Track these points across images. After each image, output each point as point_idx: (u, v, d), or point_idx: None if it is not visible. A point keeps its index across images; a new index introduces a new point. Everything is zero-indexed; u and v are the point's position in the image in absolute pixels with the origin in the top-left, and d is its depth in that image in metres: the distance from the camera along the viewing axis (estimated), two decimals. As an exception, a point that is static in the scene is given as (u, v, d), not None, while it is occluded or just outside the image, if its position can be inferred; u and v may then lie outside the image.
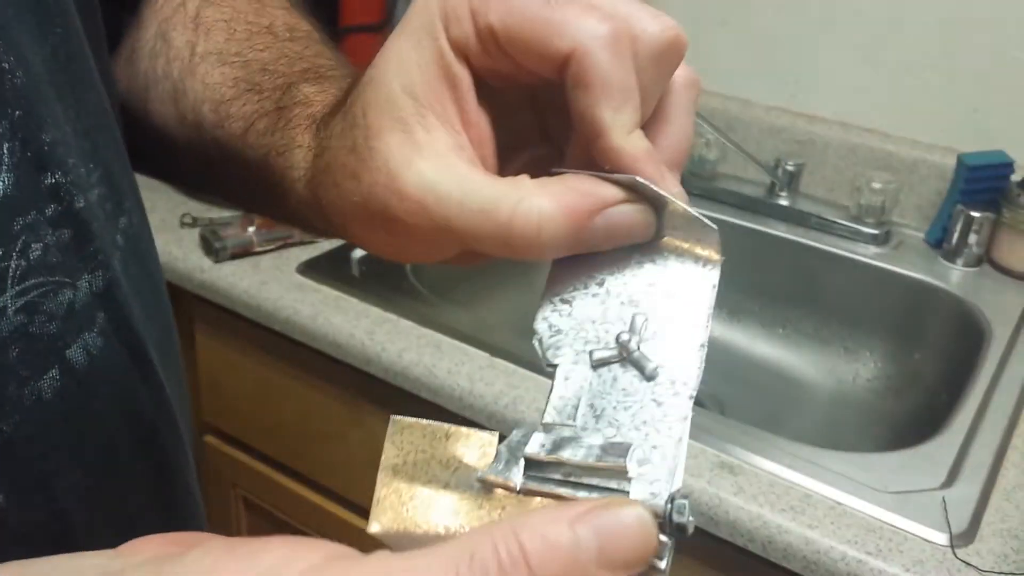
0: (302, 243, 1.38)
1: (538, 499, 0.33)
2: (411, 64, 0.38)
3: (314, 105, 0.49)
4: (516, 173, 0.38)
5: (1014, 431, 1.08)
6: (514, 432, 0.35)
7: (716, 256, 0.37)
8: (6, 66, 0.39)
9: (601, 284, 0.38)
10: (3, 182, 0.39)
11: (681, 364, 0.36)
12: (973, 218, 1.38)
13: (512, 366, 1.14)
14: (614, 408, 0.35)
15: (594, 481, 0.32)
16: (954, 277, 1.40)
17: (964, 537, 0.91)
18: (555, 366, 0.37)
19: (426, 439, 0.35)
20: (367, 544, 0.30)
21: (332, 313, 1.23)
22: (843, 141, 1.52)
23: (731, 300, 1.49)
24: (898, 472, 0.99)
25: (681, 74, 0.39)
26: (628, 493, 0.32)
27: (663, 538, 0.31)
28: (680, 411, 0.35)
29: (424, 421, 0.35)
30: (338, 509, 1.36)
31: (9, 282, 0.39)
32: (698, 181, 1.57)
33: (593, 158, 0.37)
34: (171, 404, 0.52)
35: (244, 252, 1.35)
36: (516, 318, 1.44)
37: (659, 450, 0.33)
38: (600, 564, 0.27)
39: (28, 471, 0.42)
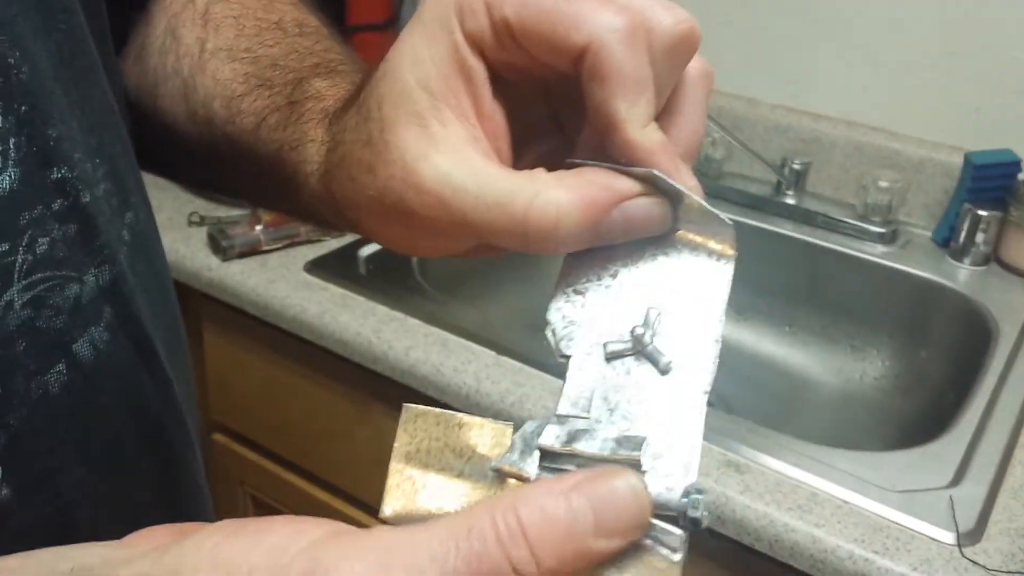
0: (309, 241, 1.38)
1: None
2: (426, 57, 0.38)
3: (326, 99, 0.49)
4: (529, 166, 0.38)
5: (1022, 430, 1.08)
6: (528, 423, 0.35)
7: (731, 251, 0.37)
8: (11, 61, 0.39)
9: (615, 276, 0.38)
10: (9, 177, 0.39)
11: (695, 359, 0.36)
12: (980, 217, 1.38)
13: (518, 364, 1.14)
14: (628, 401, 0.35)
15: None
16: (961, 276, 1.39)
17: (971, 536, 0.90)
18: (568, 357, 0.37)
19: (439, 427, 0.35)
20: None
21: (339, 311, 1.23)
22: (849, 139, 1.52)
23: (738, 299, 1.47)
24: (905, 471, 0.99)
25: (694, 66, 0.39)
26: None
27: (678, 531, 0.31)
28: (695, 406, 0.35)
29: (437, 409, 0.35)
30: (345, 506, 1.36)
31: (16, 276, 0.39)
32: (704, 180, 1.57)
33: (605, 149, 0.37)
34: (178, 400, 0.52)
35: (251, 250, 1.35)
36: (523, 316, 1.44)
37: (674, 444, 0.34)
38: (596, 533, 0.28)
39: (34, 465, 0.42)
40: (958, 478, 0.98)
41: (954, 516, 0.92)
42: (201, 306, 1.38)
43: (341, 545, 0.28)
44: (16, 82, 0.39)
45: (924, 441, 1.05)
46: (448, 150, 0.38)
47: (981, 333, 1.28)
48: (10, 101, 0.39)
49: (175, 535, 0.31)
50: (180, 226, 1.42)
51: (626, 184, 0.36)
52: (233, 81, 0.53)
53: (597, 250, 0.38)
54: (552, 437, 0.33)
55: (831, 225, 1.49)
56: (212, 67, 0.54)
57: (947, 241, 1.44)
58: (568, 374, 0.37)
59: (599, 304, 0.38)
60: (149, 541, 0.32)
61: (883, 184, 1.45)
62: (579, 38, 0.35)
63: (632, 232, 0.37)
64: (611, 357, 0.36)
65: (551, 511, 0.28)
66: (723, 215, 0.37)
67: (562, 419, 0.35)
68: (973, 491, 0.96)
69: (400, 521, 0.34)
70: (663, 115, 0.38)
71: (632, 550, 0.31)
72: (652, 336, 0.36)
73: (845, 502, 0.94)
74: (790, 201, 1.52)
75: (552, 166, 0.37)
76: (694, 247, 0.38)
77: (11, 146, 0.39)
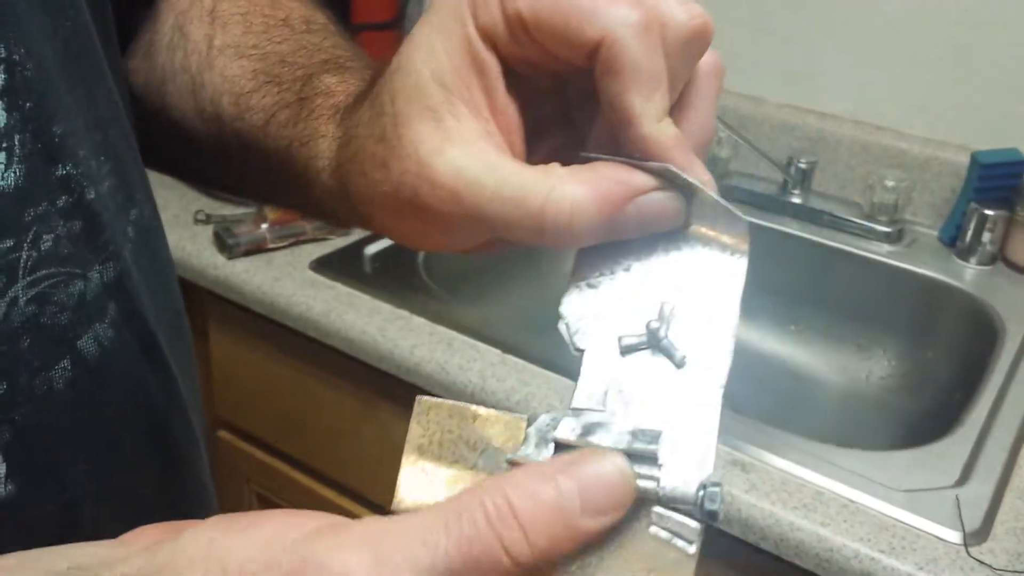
0: (315, 240, 1.38)
1: None
2: (439, 52, 0.38)
3: (337, 95, 0.49)
4: (540, 161, 0.38)
5: (1028, 429, 1.07)
6: (542, 416, 0.35)
7: (744, 245, 0.37)
8: (16, 58, 0.39)
9: (628, 270, 0.38)
10: (14, 173, 0.39)
11: (711, 353, 0.36)
12: (987, 216, 1.38)
13: (523, 363, 1.14)
14: (643, 395, 0.35)
15: None
16: (967, 275, 1.39)
17: (977, 535, 0.90)
18: (582, 351, 0.37)
19: (453, 419, 0.35)
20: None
21: (345, 309, 1.23)
22: (856, 138, 1.52)
23: (743, 297, 1.47)
24: (911, 470, 0.98)
25: (706, 61, 0.39)
26: (659, 479, 0.32)
27: (694, 523, 0.31)
28: (711, 399, 0.35)
29: (450, 401, 0.35)
30: (351, 504, 1.36)
31: (20, 273, 0.39)
32: (710, 179, 1.57)
33: (618, 143, 0.37)
34: (182, 397, 0.52)
35: (257, 248, 1.35)
36: (528, 315, 1.44)
37: (689, 437, 0.34)
38: (584, 512, 0.29)
39: (38, 461, 0.42)
40: (964, 477, 0.98)
41: (960, 515, 0.92)
42: (207, 304, 1.39)
43: (333, 536, 0.28)
44: (21, 79, 0.39)
45: (930, 440, 1.05)
46: (462, 144, 0.38)
47: (987, 332, 1.28)
48: (15, 98, 0.39)
49: (170, 532, 0.31)
50: (186, 224, 1.42)
51: (641, 179, 0.36)
52: (241, 78, 0.53)
53: (610, 244, 0.38)
54: (568, 430, 0.34)
55: (837, 224, 1.48)
56: (220, 64, 0.54)
57: (953, 240, 1.43)
58: (582, 367, 0.37)
59: (613, 298, 0.38)
60: (145, 539, 0.32)
61: (889, 183, 1.45)
62: (593, 32, 0.35)
63: (647, 226, 0.37)
64: (626, 351, 0.36)
65: (540, 493, 0.29)
66: (737, 210, 0.37)
67: (577, 412, 0.35)
68: (979, 490, 0.96)
69: None
70: (675, 110, 0.38)
71: (648, 542, 0.31)
72: (667, 330, 0.36)
73: (851, 501, 0.94)
74: (796, 200, 1.52)
75: (563, 161, 0.37)
76: (707, 241, 0.38)
77: (16, 142, 0.39)
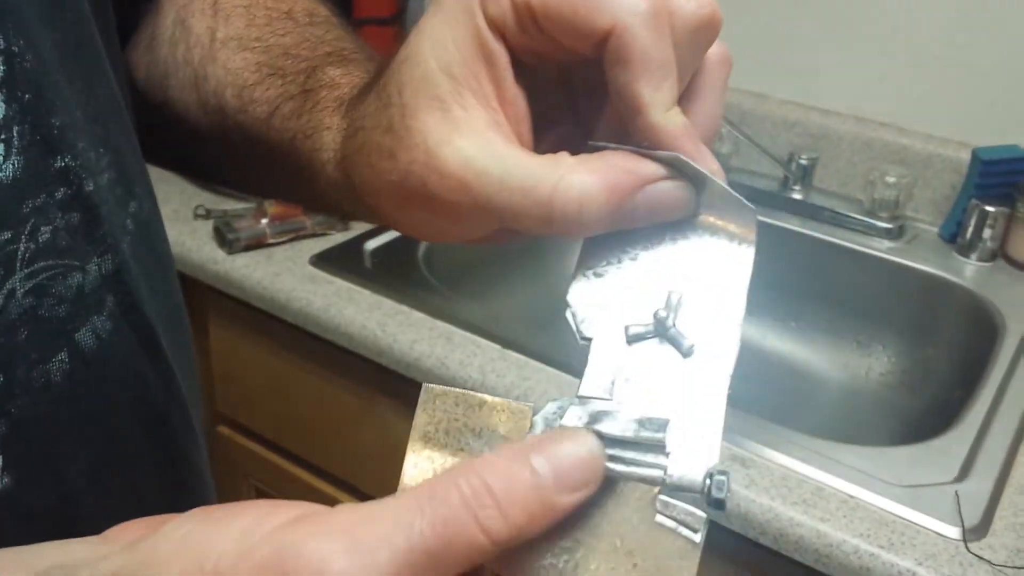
0: (315, 235, 1.38)
1: None
2: (448, 42, 0.38)
3: (341, 87, 0.49)
4: (547, 150, 0.38)
5: (1028, 426, 1.07)
6: (549, 404, 0.35)
7: (751, 235, 0.37)
8: (15, 49, 0.39)
9: (635, 259, 0.38)
10: (13, 165, 0.39)
11: (718, 342, 0.36)
12: (988, 212, 1.37)
13: (524, 358, 1.14)
14: (650, 384, 0.35)
15: (631, 455, 0.33)
16: (968, 272, 1.39)
17: (977, 531, 0.90)
18: (589, 340, 0.37)
19: (459, 407, 0.35)
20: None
21: (344, 304, 1.23)
22: (857, 135, 1.52)
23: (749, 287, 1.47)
24: (911, 466, 0.98)
25: (714, 51, 0.39)
26: (665, 468, 0.32)
27: (699, 512, 0.31)
28: (718, 388, 0.35)
29: (457, 389, 0.35)
30: (350, 499, 1.36)
31: (18, 265, 0.39)
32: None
33: (627, 133, 0.37)
34: (181, 391, 0.52)
35: (257, 244, 1.35)
36: (528, 310, 1.44)
37: (697, 426, 0.34)
38: (558, 489, 0.30)
39: (36, 454, 0.42)
40: (964, 473, 0.98)
41: (960, 511, 0.92)
42: (207, 299, 1.39)
43: (308, 524, 0.28)
44: (20, 70, 0.39)
45: (930, 436, 1.05)
46: (471, 134, 0.38)
47: (987, 329, 1.28)
48: (14, 89, 0.39)
49: (152, 528, 0.31)
50: (186, 219, 1.42)
51: (650, 168, 0.36)
52: (245, 70, 0.53)
53: (617, 233, 0.38)
54: (574, 418, 0.34)
55: (838, 220, 1.48)
56: (223, 56, 0.54)
57: (954, 237, 1.43)
58: (590, 356, 0.37)
59: (619, 287, 0.38)
60: (128, 535, 0.32)
61: (890, 179, 1.45)
62: (603, 22, 0.35)
63: (656, 216, 0.37)
64: (633, 340, 0.36)
65: (514, 471, 0.29)
66: (745, 200, 0.37)
67: (584, 400, 0.35)
68: (979, 486, 0.96)
69: None
70: (683, 100, 0.38)
71: (654, 531, 0.31)
72: (674, 319, 0.36)
73: (851, 496, 0.94)
74: (797, 196, 1.52)
75: (569, 151, 0.37)
76: (715, 231, 0.38)
77: (15, 134, 0.39)
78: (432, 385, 0.35)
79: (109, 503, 0.46)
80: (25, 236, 0.39)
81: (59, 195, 0.41)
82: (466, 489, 0.28)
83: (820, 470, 0.97)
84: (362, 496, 1.35)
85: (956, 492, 0.94)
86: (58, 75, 0.42)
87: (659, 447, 0.32)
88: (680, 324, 0.36)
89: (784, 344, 1.49)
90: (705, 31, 0.37)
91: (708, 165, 0.37)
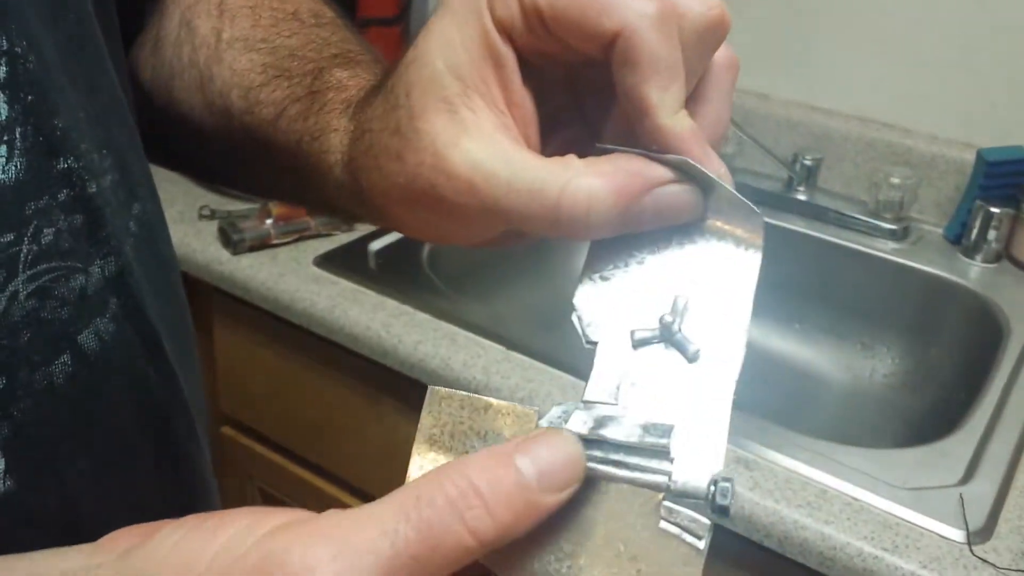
0: (319, 235, 1.38)
1: None
2: (456, 44, 0.38)
3: (348, 89, 0.49)
4: (554, 153, 0.38)
5: (1033, 428, 1.07)
6: (553, 408, 0.35)
7: (758, 240, 0.37)
8: (18, 51, 0.39)
9: (642, 263, 0.38)
10: (16, 167, 0.39)
11: (724, 347, 0.36)
12: (992, 214, 1.37)
13: (528, 359, 1.14)
14: (655, 389, 0.35)
15: (635, 460, 0.32)
16: (972, 273, 1.39)
17: (981, 534, 0.90)
18: (595, 344, 0.37)
19: (465, 411, 0.35)
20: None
21: (349, 305, 1.23)
22: (861, 136, 1.52)
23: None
24: (915, 468, 0.98)
25: (721, 54, 0.39)
26: (670, 474, 0.32)
27: (703, 519, 0.31)
28: (723, 394, 0.35)
29: (463, 392, 0.35)
30: (354, 500, 1.36)
31: (21, 267, 0.39)
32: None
33: (634, 135, 0.37)
34: (184, 394, 0.52)
35: (262, 244, 1.35)
36: (532, 312, 1.44)
37: (701, 432, 0.34)
38: (542, 489, 0.30)
39: (38, 457, 0.41)
40: (968, 476, 0.98)
41: (964, 514, 0.91)
42: (211, 300, 1.39)
43: (296, 531, 0.28)
44: (23, 72, 0.39)
45: (934, 438, 1.04)
46: (479, 136, 0.38)
47: (992, 330, 1.27)
48: (16, 91, 0.39)
49: (146, 535, 0.31)
50: (191, 220, 1.42)
51: (658, 171, 0.36)
52: (251, 71, 0.53)
53: (623, 237, 0.38)
54: (579, 423, 0.34)
55: (842, 221, 1.48)
56: (229, 58, 0.54)
57: (959, 238, 1.43)
58: (595, 360, 0.37)
59: (626, 291, 0.38)
60: (123, 543, 0.32)
61: (895, 180, 1.44)
62: (611, 24, 0.35)
63: (663, 219, 0.37)
64: (638, 344, 0.36)
65: (499, 471, 0.29)
66: (753, 205, 0.37)
67: (589, 405, 0.35)
68: (983, 489, 0.96)
69: None
70: (690, 102, 0.38)
71: (657, 537, 0.31)
72: (680, 324, 0.36)
73: (855, 499, 0.94)
74: (801, 197, 1.51)
75: (575, 153, 0.37)
76: (722, 235, 0.38)
77: (17, 136, 0.39)
78: (438, 388, 0.35)
79: (111, 505, 0.46)
80: (28, 238, 0.39)
81: (62, 197, 0.41)
82: (452, 490, 0.29)
83: (824, 472, 0.97)
84: (366, 497, 1.35)
85: (960, 495, 0.94)
86: (61, 76, 0.42)
87: (663, 453, 0.32)
88: (686, 329, 0.36)
89: (788, 345, 1.49)
90: (713, 33, 0.37)
91: (715, 168, 0.37)
